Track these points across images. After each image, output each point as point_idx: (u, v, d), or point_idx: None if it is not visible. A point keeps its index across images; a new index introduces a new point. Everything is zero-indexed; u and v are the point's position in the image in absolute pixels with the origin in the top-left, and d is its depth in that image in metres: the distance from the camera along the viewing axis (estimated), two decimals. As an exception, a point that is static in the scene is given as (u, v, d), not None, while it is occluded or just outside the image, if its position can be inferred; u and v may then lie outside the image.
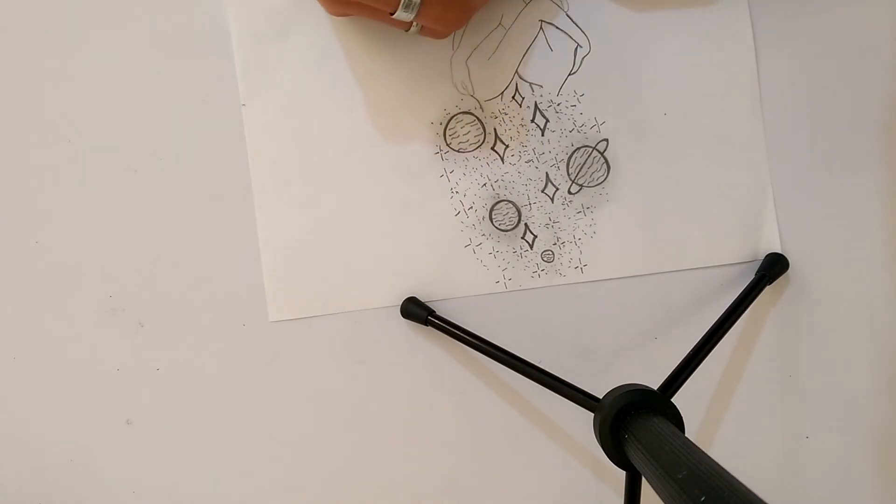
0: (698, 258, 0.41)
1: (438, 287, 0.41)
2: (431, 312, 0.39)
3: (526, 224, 0.41)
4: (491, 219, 0.41)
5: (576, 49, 0.40)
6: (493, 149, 0.40)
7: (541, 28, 0.39)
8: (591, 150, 0.40)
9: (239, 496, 0.42)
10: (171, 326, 0.41)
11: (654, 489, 0.25)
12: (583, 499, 0.42)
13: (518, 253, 0.41)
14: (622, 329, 0.41)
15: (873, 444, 0.42)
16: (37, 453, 0.41)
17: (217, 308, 0.41)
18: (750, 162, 0.40)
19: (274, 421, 0.41)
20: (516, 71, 0.40)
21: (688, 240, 0.41)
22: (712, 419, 0.41)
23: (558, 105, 0.40)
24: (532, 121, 0.40)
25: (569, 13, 0.39)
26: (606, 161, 0.40)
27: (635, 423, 0.29)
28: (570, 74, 0.40)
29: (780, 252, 0.41)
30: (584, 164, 0.40)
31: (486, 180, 0.40)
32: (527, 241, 0.41)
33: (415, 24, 0.34)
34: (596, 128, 0.40)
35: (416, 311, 0.39)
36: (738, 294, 0.38)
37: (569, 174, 0.40)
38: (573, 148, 0.40)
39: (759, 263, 0.40)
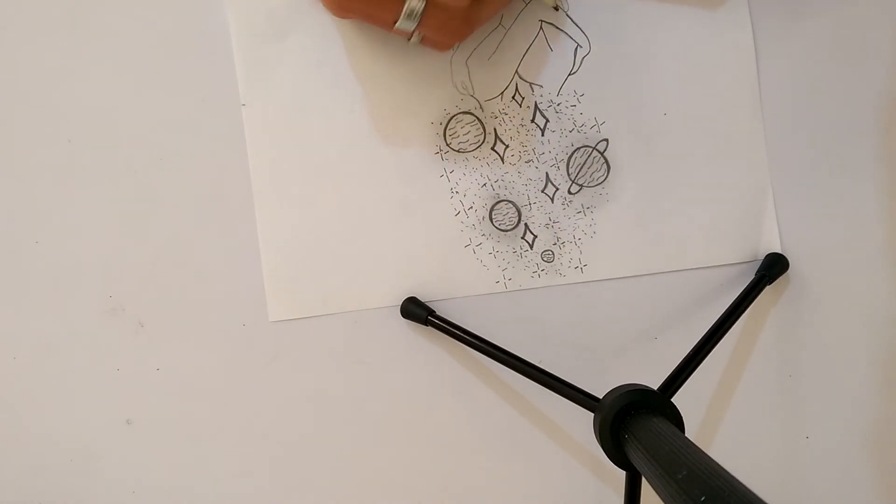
0: (698, 258, 0.41)
1: (438, 287, 0.41)
2: (431, 312, 0.39)
3: (526, 224, 0.41)
4: (491, 219, 0.41)
5: (576, 49, 0.40)
6: (493, 149, 0.40)
7: (541, 28, 0.39)
8: (591, 150, 0.40)
9: (239, 496, 0.42)
10: (171, 326, 0.41)
11: (654, 489, 0.25)
12: (583, 499, 0.42)
13: (518, 253, 0.41)
14: (622, 329, 0.41)
15: (873, 444, 0.42)
16: (37, 453, 0.41)
17: (217, 308, 0.41)
18: (750, 162, 0.40)
19: (274, 421, 0.41)
20: (516, 71, 0.40)
21: (688, 240, 0.41)
22: (712, 419, 0.41)
23: (558, 105, 0.40)
24: (532, 121, 0.40)
25: (569, 13, 0.39)
26: (606, 161, 0.40)
27: (635, 423, 0.29)
28: (570, 74, 0.40)
29: (780, 252, 0.41)
30: (584, 164, 0.40)
31: (486, 180, 0.40)
32: (527, 241, 0.41)
33: (416, 34, 0.34)
34: (596, 128, 0.40)
35: (416, 311, 0.39)
36: (738, 294, 0.38)
37: (569, 174, 0.40)
38: (573, 148, 0.40)
39: (759, 263, 0.40)
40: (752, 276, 0.40)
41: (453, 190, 0.40)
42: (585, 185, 0.41)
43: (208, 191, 0.40)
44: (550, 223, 0.41)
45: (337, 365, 0.41)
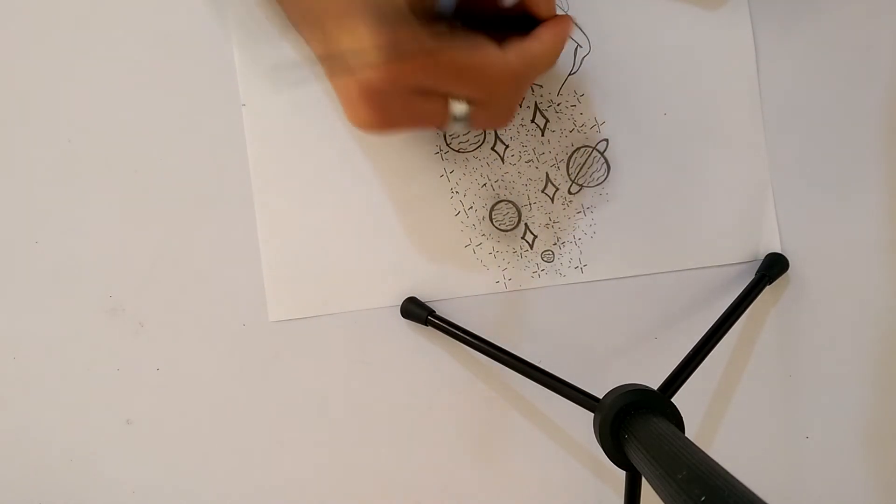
0: (698, 258, 0.41)
1: (438, 287, 0.41)
2: (431, 312, 0.39)
3: (526, 224, 0.41)
4: (491, 219, 0.41)
5: (576, 49, 0.40)
6: (493, 149, 0.40)
7: (541, 28, 0.39)
8: (591, 150, 0.40)
9: (239, 496, 0.42)
10: (171, 326, 0.41)
11: (654, 489, 0.25)
12: (583, 499, 0.42)
13: (518, 253, 0.41)
14: (622, 329, 0.41)
15: (873, 444, 0.42)
16: (37, 453, 0.41)
17: (217, 308, 0.41)
18: (750, 162, 0.40)
19: (274, 421, 0.41)
20: (516, 71, 0.40)
21: (688, 240, 0.41)
22: (712, 419, 0.41)
23: (558, 105, 0.40)
24: (532, 121, 0.40)
25: (569, 13, 0.39)
26: (606, 161, 0.40)
27: (635, 423, 0.29)
28: (570, 74, 0.40)
29: (780, 252, 0.41)
30: (584, 164, 0.40)
31: (486, 180, 0.40)
32: (527, 241, 0.41)
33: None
34: (596, 128, 0.40)
35: (416, 311, 0.39)
36: (738, 294, 0.38)
37: (569, 174, 0.40)
38: (573, 148, 0.40)
39: (759, 263, 0.40)
40: (752, 276, 0.40)
41: (453, 190, 0.40)
42: (585, 185, 0.41)
43: (208, 191, 0.40)
44: (550, 223, 0.41)
45: (337, 365, 0.41)
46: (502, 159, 0.40)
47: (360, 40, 0.27)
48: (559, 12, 0.40)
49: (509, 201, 0.41)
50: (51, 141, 0.40)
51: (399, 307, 0.40)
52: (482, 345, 0.37)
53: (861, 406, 0.41)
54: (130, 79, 0.40)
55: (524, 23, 0.32)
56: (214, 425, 0.41)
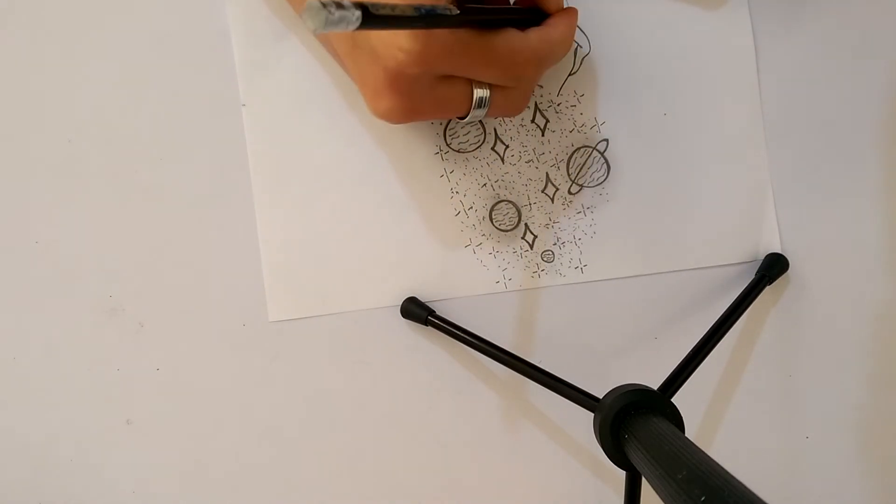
0: (698, 258, 0.41)
1: (438, 287, 0.41)
2: (431, 312, 0.39)
3: (526, 224, 0.41)
4: (491, 219, 0.41)
5: (576, 49, 0.40)
6: (493, 149, 0.40)
7: (541, 28, 0.39)
8: (591, 150, 0.40)
9: (239, 496, 0.42)
10: (171, 326, 0.41)
11: (654, 489, 0.25)
12: (583, 499, 0.42)
13: (518, 253, 0.41)
14: (622, 329, 0.41)
15: (873, 444, 0.42)
16: (37, 453, 0.41)
17: (217, 308, 0.41)
18: (750, 162, 0.40)
19: (274, 421, 0.41)
20: (516, 71, 0.40)
21: (688, 240, 0.41)
22: (712, 419, 0.41)
23: (558, 105, 0.40)
24: (532, 121, 0.40)
25: (569, 13, 0.39)
26: (606, 161, 0.40)
27: (635, 423, 0.29)
28: (570, 74, 0.40)
29: (780, 252, 0.41)
30: (584, 164, 0.40)
31: (486, 180, 0.40)
32: (527, 241, 0.41)
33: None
34: (596, 128, 0.40)
35: (416, 311, 0.39)
36: (738, 294, 0.38)
37: (569, 174, 0.40)
38: (573, 148, 0.40)
39: (759, 263, 0.40)
40: (752, 277, 0.40)
41: (453, 190, 0.40)
42: (585, 185, 0.41)
43: (208, 191, 0.40)
44: (550, 223, 0.41)
45: (337, 365, 0.41)
46: (502, 159, 0.40)
47: None
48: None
49: (509, 201, 0.41)
50: (51, 141, 0.40)
51: (399, 307, 0.40)
52: (482, 345, 0.37)
53: (861, 406, 0.41)
54: (130, 78, 0.40)
55: (528, 20, 0.32)
56: (214, 425, 0.41)
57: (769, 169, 0.40)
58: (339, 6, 0.18)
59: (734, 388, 0.41)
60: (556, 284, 0.41)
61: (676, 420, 0.30)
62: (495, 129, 0.40)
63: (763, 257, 0.41)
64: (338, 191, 0.40)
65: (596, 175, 0.40)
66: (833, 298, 0.41)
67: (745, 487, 0.22)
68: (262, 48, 0.39)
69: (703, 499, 0.22)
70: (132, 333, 0.41)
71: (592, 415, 0.32)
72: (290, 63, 0.39)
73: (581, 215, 0.41)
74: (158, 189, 0.40)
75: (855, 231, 0.41)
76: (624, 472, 0.31)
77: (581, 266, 0.41)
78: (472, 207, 0.40)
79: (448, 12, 0.25)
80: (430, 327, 0.39)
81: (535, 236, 0.41)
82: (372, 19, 0.19)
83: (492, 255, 0.41)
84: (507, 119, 0.40)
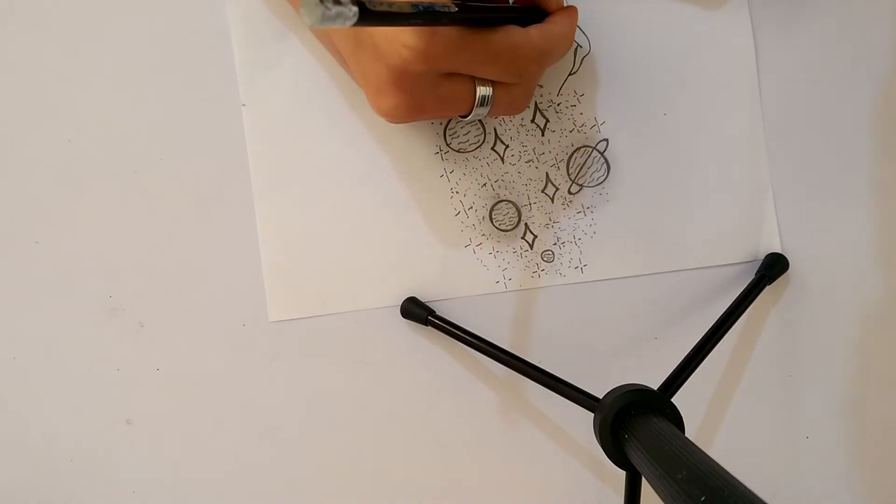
0: (698, 258, 0.41)
1: (438, 287, 0.41)
2: (431, 312, 0.39)
3: (526, 224, 0.41)
4: (491, 219, 0.41)
5: (576, 49, 0.40)
6: (493, 149, 0.40)
7: (541, 28, 0.39)
8: (591, 150, 0.40)
9: (239, 496, 0.42)
10: (171, 326, 0.41)
11: (654, 489, 0.25)
12: (583, 499, 0.42)
13: (518, 253, 0.41)
14: (622, 329, 0.41)
15: (873, 445, 0.42)
16: (37, 453, 0.41)
17: (217, 308, 0.41)
18: (750, 162, 0.40)
19: (274, 421, 0.41)
20: (516, 71, 0.40)
21: (688, 240, 0.41)
22: (712, 419, 0.41)
23: (558, 105, 0.40)
24: (532, 121, 0.40)
25: (569, 13, 0.39)
26: (606, 161, 0.40)
27: (635, 423, 0.29)
28: (570, 74, 0.40)
29: (780, 252, 0.41)
30: (584, 164, 0.40)
31: (486, 180, 0.40)
32: (527, 241, 0.41)
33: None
34: (596, 128, 0.40)
35: (416, 311, 0.39)
36: (738, 294, 0.38)
37: (569, 174, 0.40)
38: (573, 148, 0.40)
39: (759, 263, 0.40)
40: (752, 276, 0.40)
41: (453, 190, 0.40)
42: (585, 185, 0.41)
43: (208, 191, 0.40)
44: (550, 223, 0.41)
45: (337, 365, 0.41)
46: (502, 159, 0.40)
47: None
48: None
49: (509, 201, 0.41)
50: (51, 141, 0.40)
51: (399, 307, 0.40)
52: (482, 345, 0.37)
53: (861, 406, 0.41)
54: (130, 78, 0.40)
55: (528, 19, 0.32)
56: (214, 425, 0.41)
57: (769, 169, 0.40)
58: (337, 2, 0.18)
59: (734, 388, 0.41)
60: (556, 284, 0.41)
61: (676, 420, 0.30)
62: (495, 129, 0.40)
63: (763, 257, 0.41)
64: (338, 191, 0.40)
65: (596, 175, 0.40)
66: (833, 298, 0.41)
67: (745, 487, 0.22)
68: (262, 48, 0.39)
69: (703, 499, 0.22)
70: (132, 333, 0.41)
71: (592, 415, 0.32)
72: (290, 63, 0.39)
73: (581, 215, 0.41)
74: (158, 189, 0.40)
75: (855, 231, 0.41)
76: (624, 472, 0.31)
77: (581, 266, 0.41)
78: (472, 207, 0.40)
79: (446, 9, 0.25)
80: (430, 327, 0.39)
81: (535, 236, 0.41)
82: (369, 15, 0.19)
83: (492, 254, 0.41)
84: (507, 119, 0.40)
